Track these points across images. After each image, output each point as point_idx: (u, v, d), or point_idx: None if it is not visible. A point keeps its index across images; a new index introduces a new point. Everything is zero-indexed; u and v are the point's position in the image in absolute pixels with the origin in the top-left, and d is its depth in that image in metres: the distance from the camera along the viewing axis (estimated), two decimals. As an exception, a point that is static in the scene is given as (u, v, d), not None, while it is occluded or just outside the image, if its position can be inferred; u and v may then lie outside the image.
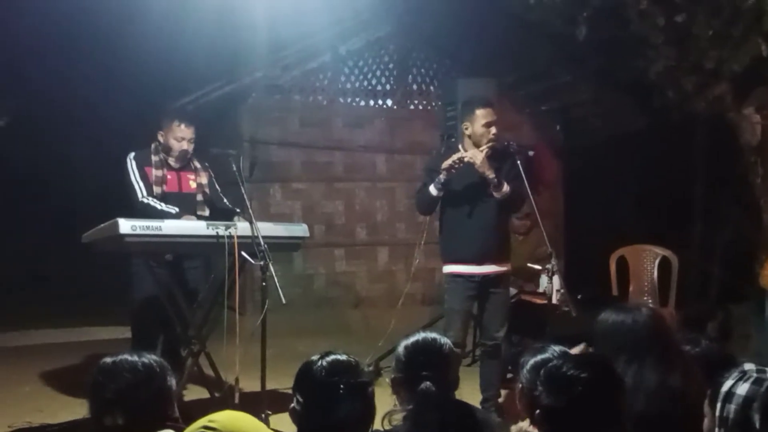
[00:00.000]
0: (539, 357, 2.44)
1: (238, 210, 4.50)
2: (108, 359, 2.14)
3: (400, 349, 2.46)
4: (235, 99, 7.71)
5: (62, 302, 8.09)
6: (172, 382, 2.15)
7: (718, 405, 1.89)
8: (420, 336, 2.48)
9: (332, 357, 2.10)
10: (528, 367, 2.42)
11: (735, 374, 1.93)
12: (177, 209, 4.35)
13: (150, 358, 2.13)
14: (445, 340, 2.48)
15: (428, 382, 2.30)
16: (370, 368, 2.15)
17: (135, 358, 2.11)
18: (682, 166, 8.61)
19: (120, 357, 2.13)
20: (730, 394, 1.87)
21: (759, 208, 6.73)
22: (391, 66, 8.42)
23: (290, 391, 2.13)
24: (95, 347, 6.38)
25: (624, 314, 2.70)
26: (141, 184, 4.41)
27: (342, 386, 2.02)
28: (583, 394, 1.93)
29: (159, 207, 4.35)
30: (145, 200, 4.38)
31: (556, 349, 2.47)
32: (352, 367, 2.09)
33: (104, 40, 7.81)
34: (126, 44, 7.63)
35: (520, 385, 2.42)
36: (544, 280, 5.55)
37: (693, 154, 8.63)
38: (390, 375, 2.48)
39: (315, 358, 2.12)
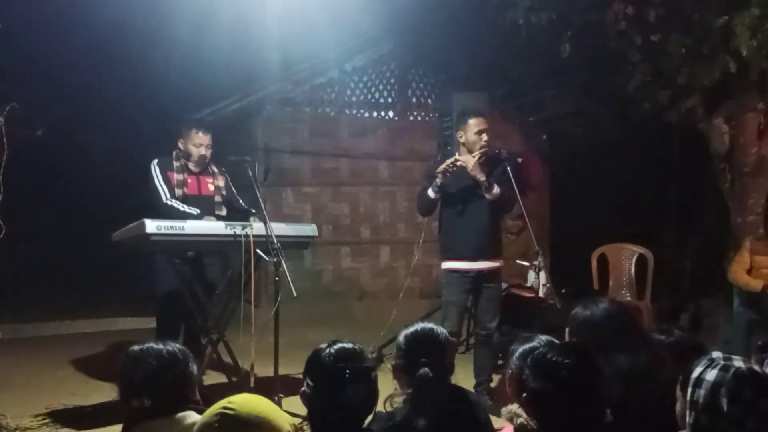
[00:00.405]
0: (527, 345, 2.43)
1: (253, 210, 4.51)
2: (135, 347, 2.14)
3: (401, 337, 2.46)
4: (250, 111, 7.74)
5: (93, 295, 8.09)
6: (194, 368, 2.15)
7: (689, 390, 1.88)
8: (419, 326, 2.47)
9: (339, 345, 2.10)
10: (517, 354, 2.41)
11: (704, 361, 1.92)
12: (198, 210, 4.36)
13: (174, 346, 2.13)
14: (441, 330, 2.47)
15: (426, 368, 2.29)
16: (373, 355, 2.14)
17: (160, 346, 2.12)
18: (657, 172, 8.62)
19: (146, 345, 2.13)
20: (699, 380, 1.87)
21: (727, 210, 6.71)
22: (392, 81, 8.46)
23: (301, 376, 2.13)
24: (122, 336, 6.42)
25: (589, 309, 2.69)
26: (164, 187, 4.42)
27: (348, 371, 2.02)
28: (567, 378, 1.93)
29: (182, 209, 4.35)
30: (169, 202, 4.39)
31: (543, 338, 2.46)
32: (357, 354, 2.09)
33: (134, 58, 7.85)
34: (153, 62, 7.67)
35: (510, 371, 2.41)
36: (531, 275, 5.55)
37: (667, 161, 8.62)
38: (391, 361, 2.48)
39: (323, 345, 2.12)
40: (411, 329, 2.46)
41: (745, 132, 6.40)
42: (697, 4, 5.81)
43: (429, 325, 2.48)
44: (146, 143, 4.74)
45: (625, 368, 2.47)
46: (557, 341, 2.45)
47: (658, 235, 8.51)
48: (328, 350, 2.08)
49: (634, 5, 5.84)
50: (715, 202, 7.18)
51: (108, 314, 7.50)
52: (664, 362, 2.50)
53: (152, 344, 2.13)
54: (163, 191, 4.40)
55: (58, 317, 7.37)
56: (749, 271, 5.82)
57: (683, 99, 6.36)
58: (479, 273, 4.55)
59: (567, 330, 2.74)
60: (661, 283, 6.78)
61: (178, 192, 4.43)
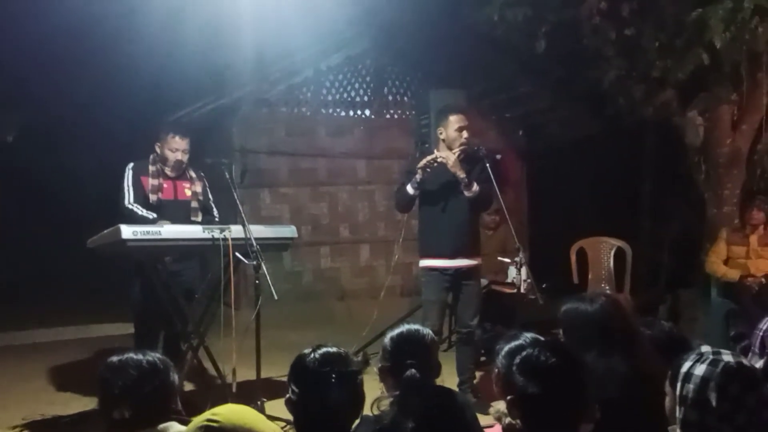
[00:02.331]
0: (513, 343, 2.41)
1: (217, 220, 4.50)
2: (115, 358, 2.08)
3: (387, 340, 2.42)
4: (226, 112, 7.65)
5: (71, 301, 7.95)
6: (175, 377, 2.10)
7: (678, 385, 1.87)
8: (404, 328, 2.44)
9: (324, 349, 2.06)
10: (503, 353, 2.39)
11: (693, 356, 1.91)
12: (155, 215, 4.28)
13: (154, 356, 2.07)
14: (427, 331, 2.45)
15: (413, 370, 2.26)
16: (359, 358, 2.10)
17: (140, 356, 2.06)
18: (633, 165, 8.69)
19: (126, 355, 2.07)
20: (688, 374, 1.85)
21: (703, 202, 6.76)
22: (368, 79, 8.41)
23: (283, 379, 2.09)
24: (103, 343, 6.33)
25: (584, 304, 2.66)
26: (130, 191, 4.35)
27: (333, 376, 1.98)
28: (554, 378, 1.90)
29: (139, 212, 4.29)
30: (129, 206, 4.32)
31: (528, 335, 2.44)
32: (342, 358, 2.05)
33: (105, 59, 7.69)
34: (126, 62, 7.52)
35: (496, 370, 2.39)
36: (512, 271, 5.54)
37: (643, 155, 8.69)
38: (377, 364, 2.44)
39: (308, 350, 2.07)
40: (396, 331, 2.43)
41: (719, 124, 6.46)
42: (670, -2, 5.84)
43: (414, 326, 2.45)
44: (120, 146, 4.64)
45: (620, 366, 2.45)
46: (543, 339, 2.43)
47: (634, 228, 8.57)
48: (312, 355, 2.04)
49: (608, 0, 5.85)
50: (690, 194, 7.23)
51: (87, 320, 7.37)
52: (656, 359, 2.49)
53: (132, 354, 2.07)
54: (127, 195, 4.34)
55: (36, 325, 7.22)
56: (726, 262, 5.92)
57: (658, 93, 6.39)
58: (458, 271, 4.54)
59: (561, 329, 2.71)
60: (637, 275, 6.81)
61: (152, 197, 4.36)
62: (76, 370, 5.57)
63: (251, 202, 7.54)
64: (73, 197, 8.47)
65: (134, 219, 4.18)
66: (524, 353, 1.93)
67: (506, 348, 2.40)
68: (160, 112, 7.15)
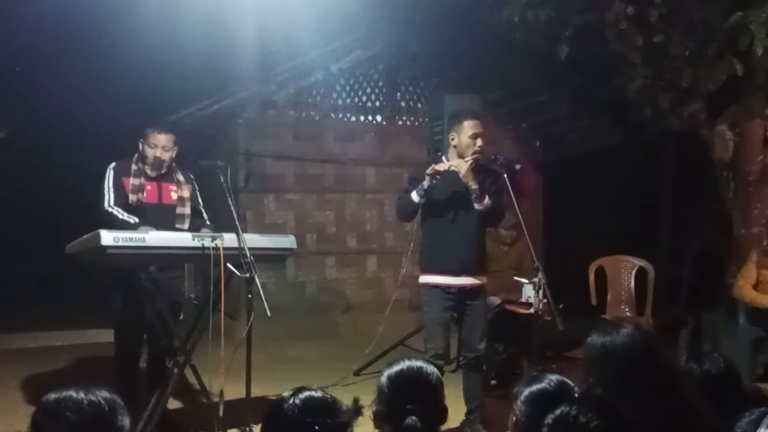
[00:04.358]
0: (535, 387, 2.03)
1: (209, 223, 4.14)
2: (51, 396, 1.70)
3: (383, 379, 2.03)
4: (231, 114, 7.38)
5: (52, 306, 7.61)
6: (125, 421, 1.71)
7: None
8: (404, 364, 2.04)
9: (306, 394, 1.68)
10: (523, 397, 2.01)
11: (755, 415, 1.53)
12: (136, 219, 3.92)
13: (99, 395, 1.69)
14: (431, 369, 2.05)
15: (414, 417, 1.88)
16: (348, 406, 1.71)
17: (80, 395, 1.67)
18: (654, 179, 8.48)
19: (64, 394, 1.69)
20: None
21: (730, 220, 6.42)
22: (380, 84, 8.15)
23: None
24: (87, 350, 6.00)
25: (609, 337, 2.25)
26: (111, 193, 3.99)
27: (317, 428, 1.61)
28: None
29: (119, 216, 3.92)
30: (109, 209, 3.96)
31: (553, 378, 2.05)
32: (328, 406, 1.67)
33: (104, 57, 7.42)
34: (125, 59, 7.24)
35: (515, 418, 2.01)
36: (528, 289, 5.17)
37: (665, 169, 8.41)
38: (372, 407, 2.04)
39: (287, 394, 1.70)
40: (395, 369, 2.03)
41: (750, 139, 6.12)
42: (701, 4, 5.52)
43: (417, 363, 2.05)
44: (119, 150, 4.29)
45: (653, 411, 2.06)
46: (571, 383, 2.04)
47: (654, 244, 8.27)
48: (292, 401, 1.67)
49: (636, 5, 5.55)
50: (714, 210, 6.89)
51: (72, 326, 7.04)
52: (698, 405, 2.09)
53: (72, 392, 1.69)
54: (108, 197, 3.98)
55: (18, 329, 6.89)
56: (755, 286, 5.56)
57: (685, 103, 6.09)
58: (462, 290, 4.17)
59: (584, 361, 2.31)
60: (656, 295, 6.47)
61: (132, 198, 3.99)
62: (60, 380, 5.20)
63: (255, 208, 7.34)
64: (60, 200, 8.10)
65: (114, 223, 3.82)
66: (559, 412, 1.54)
67: (527, 392, 2.03)
68: (161, 113, 6.84)
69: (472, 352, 4.26)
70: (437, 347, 4.11)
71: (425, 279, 4.25)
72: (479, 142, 4.15)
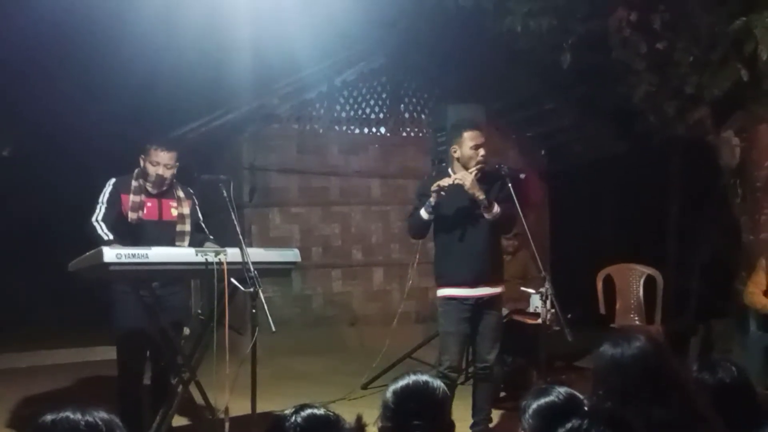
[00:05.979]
0: (543, 400, 1.98)
1: (211, 237, 4.09)
2: (48, 417, 1.65)
3: (388, 394, 1.97)
4: (235, 128, 7.36)
5: (54, 324, 7.58)
6: (124, 442, 1.67)
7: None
8: (410, 379, 1.99)
9: (308, 411, 1.63)
10: (531, 411, 1.96)
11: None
12: (111, 236, 3.84)
13: (96, 416, 1.64)
14: (438, 384, 2.00)
15: (420, 433, 1.83)
16: (352, 423, 1.66)
17: (78, 416, 1.63)
18: (661, 187, 8.39)
19: (61, 415, 1.64)
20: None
21: (738, 227, 6.34)
22: (384, 96, 8.15)
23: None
24: (88, 369, 5.99)
25: (620, 348, 2.19)
26: (102, 208, 3.93)
27: (320, 446, 1.56)
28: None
29: (98, 231, 3.86)
30: (95, 223, 3.89)
31: (562, 391, 2.00)
32: (330, 424, 1.62)
33: (107, 75, 7.40)
34: (128, 76, 7.23)
35: (523, 432, 1.96)
36: (535, 299, 5.11)
37: (672, 176, 8.35)
38: (377, 423, 1.99)
39: (288, 412, 1.65)
40: (401, 383, 1.98)
41: (757, 145, 6.06)
42: (705, 9, 5.48)
43: (423, 377, 2.00)
44: (122, 166, 4.24)
45: (665, 424, 2.00)
46: (580, 396, 1.99)
47: (662, 252, 8.19)
48: (293, 419, 1.62)
49: (639, 11, 5.52)
50: (722, 217, 6.83)
51: (73, 344, 6.99)
52: (711, 416, 2.04)
53: (68, 413, 1.64)
54: (98, 211, 3.92)
55: (24, 348, 6.85)
56: (766, 293, 5.47)
57: (691, 110, 6.05)
58: (478, 300, 4.10)
59: (593, 372, 2.26)
60: (665, 303, 6.40)
61: (132, 215, 3.94)
62: (63, 398, 5.15)
63: (260, 221, 7.32)
64: (62, 217, 8.07)
65: (92, 236, 3.79)
66: (570, 425, 1.49)
67: (535, 405, 1.97)
68: (163, 128, 6.83)
69: (483, 363, 4.19)
70: (452, 360, 4.04)
71: (442, 292, 4.18)
72: (482, 152, 4.09)
